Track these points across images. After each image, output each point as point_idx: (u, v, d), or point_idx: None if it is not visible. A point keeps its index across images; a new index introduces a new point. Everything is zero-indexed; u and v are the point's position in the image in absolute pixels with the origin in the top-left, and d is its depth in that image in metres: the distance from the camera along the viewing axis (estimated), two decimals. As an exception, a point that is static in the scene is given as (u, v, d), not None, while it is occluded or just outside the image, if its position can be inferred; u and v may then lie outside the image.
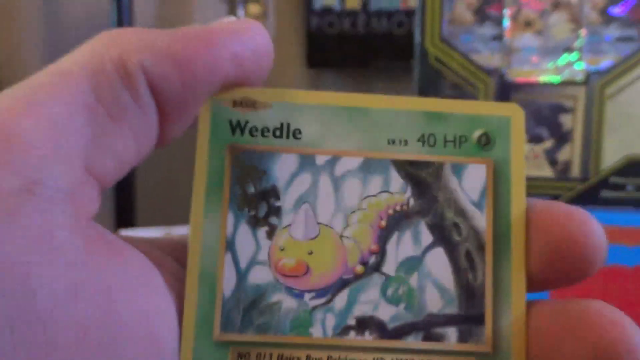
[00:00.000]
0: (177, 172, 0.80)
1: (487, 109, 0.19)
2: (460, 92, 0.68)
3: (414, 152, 0.19)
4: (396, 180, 0.19)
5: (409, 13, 0.96)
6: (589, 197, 0.63)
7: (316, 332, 0.18)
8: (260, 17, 1.03)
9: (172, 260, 0.19)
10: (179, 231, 0.70)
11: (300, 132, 0.19)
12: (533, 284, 0.18)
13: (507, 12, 0.73)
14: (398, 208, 0.19)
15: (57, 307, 0.15)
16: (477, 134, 0.19)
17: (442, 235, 0.19)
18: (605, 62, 0.68)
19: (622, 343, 0.16)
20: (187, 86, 0.17)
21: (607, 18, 0.70)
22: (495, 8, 0.74)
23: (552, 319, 0.18)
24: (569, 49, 0.69)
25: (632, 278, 0.53)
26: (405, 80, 0.88)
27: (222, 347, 0.18)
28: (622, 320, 0.17)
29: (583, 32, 0.69)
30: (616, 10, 0.71)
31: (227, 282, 0.18)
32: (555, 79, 0.67)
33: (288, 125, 0.19)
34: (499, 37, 0.73)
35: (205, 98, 0.18)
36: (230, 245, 0.18)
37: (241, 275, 0.18)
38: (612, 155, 0.64)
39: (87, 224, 0.17)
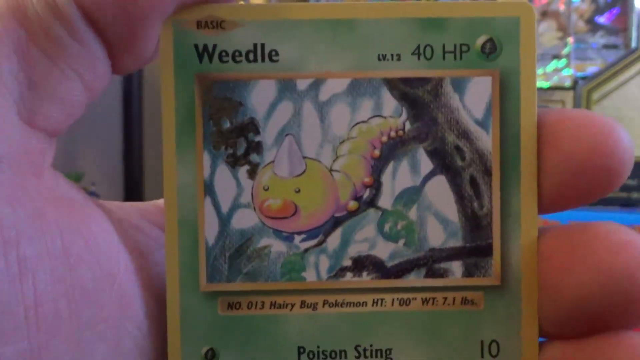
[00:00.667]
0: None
1: (492, 10, 0.17)
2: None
3: (409, 68, 0.17)
4: (389, 102, 0.17)
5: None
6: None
7: (310, 276, 0.17)
8: None
9: (148, 222, 0.18)
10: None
11: (277, 54, 0.17)
12: (548, 206, 0.17)
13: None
14: (393, 134, 0.17)
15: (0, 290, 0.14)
16: (480, 40, 0.17)
17: (443, 162, 0.17)
18: (592, 68, 0.72)
19: (632, 266, 0.15)
20: (126, 11, 0.15)
21: (594, 26, 0.73)
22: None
23: (562, 244, 0.17)
24: (557, 56, 0.71)
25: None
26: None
27: (210, 297, 0.17)
28: (633, 241, 0.16)
29: (571, 39, 0.72)
30: (602, 19, 0.74)
31: (209, 228, 0.17)
32: (544, 84, 0.70)
33: (263, 47, 0.17)
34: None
35: (158, 21, 0.16)
36: (209, 189, 0.17)
37: (224, 220, 0.17)
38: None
39: (38, 182, 0.16)
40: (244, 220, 0.17)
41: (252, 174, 0.17)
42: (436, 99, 0.17)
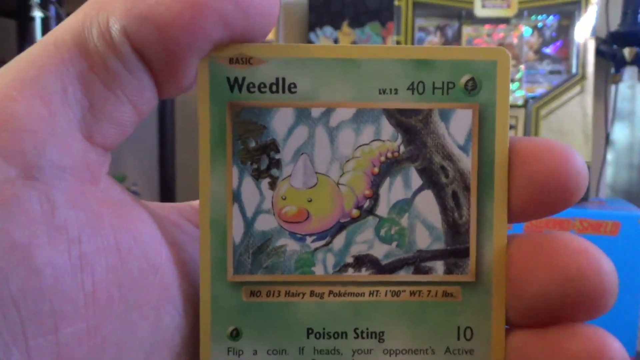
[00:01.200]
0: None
1: (474, 54, 0.19)
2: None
3: (404, 101, 0.19)
4: (387, 129, 0.19)
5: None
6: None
7: (318, 270, 0.20)
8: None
9: (185, 220, 0.21)
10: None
11: (295, 86, 0.19)
12: (516, 216, 0.19)
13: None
14: (390, 155, 0.20)
15: (62, 281, 0.16)
16: (464, 79, 0.19)
17: (431, 179, 0.20)
18: (540, 89, 0.78)
19: (589, 268, 0.17)
20: (170, 50, 0.17)
21: (541, 56, 0.80)
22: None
23: (527, 249, 0.19)
24: (512, 80, 0.77)
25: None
26: None
27: (235, 287, 0.19)
28: (590, 249, 0.18)
29: (522, 67, 0.78)
30: (548, 50, 0.82)
31: (236, 230, 0.19)
32: None
33: (283, 80, 0.19)
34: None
35: (196, 58, 0.18)
36: (236, 197, 0.19)
37: (248, 223, 0.20)
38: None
39: (96, 189, 0.17)
40: (265, 223, 0.20)
41: (272, 185, 0.20)
42: (426, 127, 0.19)
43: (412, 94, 0.19)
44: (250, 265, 0.20)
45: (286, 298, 0.20)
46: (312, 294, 0.20)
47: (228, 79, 0.19)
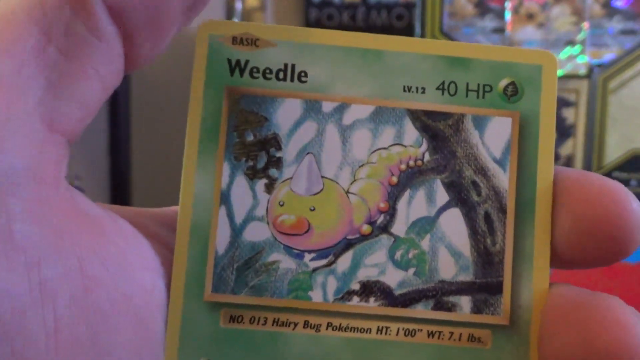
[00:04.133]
0: (173, 159, 0.78)
1: (516, 55, 0.17)
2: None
3: (432, 102, 0.17)
4: (411, 132, 0.17)
5: (409, 6, 0.95)
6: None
7: (316, 296, 0.17)
8: (258, 9, 1.01)
9: (168, 231, 0.17)
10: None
11: (306, 75, 0.17)
12: (557, 261, 0.17)
13: (508, 5, 0.72)
14: (412, 163, 0.17)
15: (23, 315, 0.13)
16: (503, 83, 0.17)
17: (459, 195, 0.17)
18: (608, 55, 0.68)
19: (620, 345, 0.15)
20: (152, 5, 0.15)
21: (610, 10, 0.70)
22: (497, 1, 0.73)
23: (564, 302, 0.16)
24: (571, 42, 0.69)
25: (635, 275, 0.52)
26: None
27: (213, 308, 0.16)
28: (630, 322, 0.15)
29: (586, 25, 0.69)
30: (619, 2, 0.71)
31: (221, 238, 0.17)
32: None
33: (293, 67, 0.17)
34: (500, 30, 0.72)
35: (179, 14, 0.16)
36: (225, 198, 0.17)
37: (236, 231, 0.17)
38: (615, 149, 0.63)
39: (56, 195, 0.15)
40: (256, 233, 0.17)
41: (269, 188, 0.17)
42: (457, 134, 0.17)
43: (442, 94, 0.17)
44: (234, 283, 0.17)
45: (274, 327, 0.17)
46: (306, 324, 0.17)
47: (229, 60, 0.17)
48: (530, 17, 0.71)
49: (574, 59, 0.68)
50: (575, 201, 0.16)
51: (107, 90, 0.16)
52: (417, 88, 0.17)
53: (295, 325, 0.17)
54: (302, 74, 0.17)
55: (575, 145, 0.65)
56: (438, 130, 0.17)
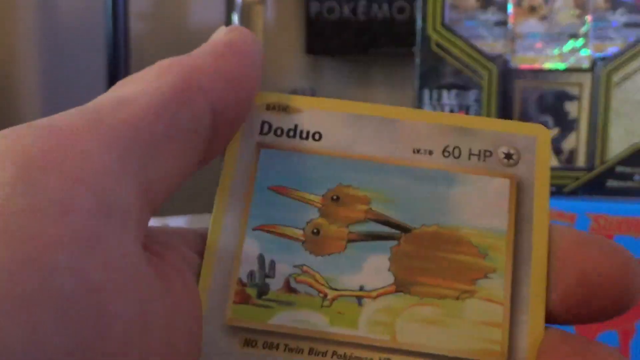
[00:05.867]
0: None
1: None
2: (463, 79, 0.67)
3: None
4: None
5: (411, -2, 0.95)
6: (594, 187, 0.62)
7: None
8: (258, 3, 1.01)
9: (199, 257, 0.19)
10: (174, 222, 0.69)
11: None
12: (553, 318, 0.18)
13: (511, -3, 0.72)
14: None
15: (129, 341, 0.14)
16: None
17: None
18: (612, 48, 0.68)
19: None
20: (241, 102, 0.18)
21: (614, 3, 0.69)
22: (499, -7, 0.73)
23: (560, 348, 0.17)
24: (574, 35, 0.68)
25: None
26: (406, 67, 0.87)
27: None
28: None
29: (589, 17, 0.68)
30: None
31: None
32: (560, 65, 0.66)
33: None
34: (502, 23, 0.72)
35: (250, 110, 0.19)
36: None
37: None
38: (618, 144, 0.63)
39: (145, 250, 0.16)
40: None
41: None
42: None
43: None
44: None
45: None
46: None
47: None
48: (533, 9, 0.71)
49: (577, 52, 0.68)
50: (577, 263, 0.17)
51: (184, 175, 0.17)
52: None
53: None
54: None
55: (578, 139, 0.65)
56: None
